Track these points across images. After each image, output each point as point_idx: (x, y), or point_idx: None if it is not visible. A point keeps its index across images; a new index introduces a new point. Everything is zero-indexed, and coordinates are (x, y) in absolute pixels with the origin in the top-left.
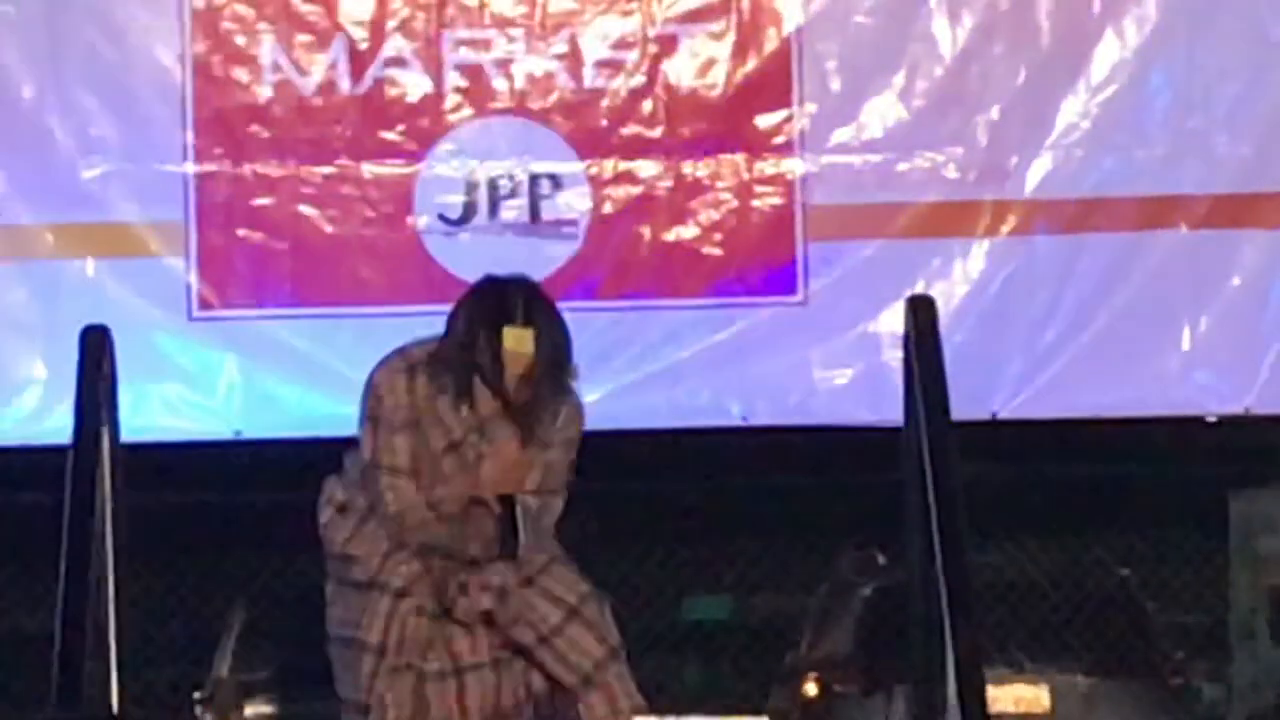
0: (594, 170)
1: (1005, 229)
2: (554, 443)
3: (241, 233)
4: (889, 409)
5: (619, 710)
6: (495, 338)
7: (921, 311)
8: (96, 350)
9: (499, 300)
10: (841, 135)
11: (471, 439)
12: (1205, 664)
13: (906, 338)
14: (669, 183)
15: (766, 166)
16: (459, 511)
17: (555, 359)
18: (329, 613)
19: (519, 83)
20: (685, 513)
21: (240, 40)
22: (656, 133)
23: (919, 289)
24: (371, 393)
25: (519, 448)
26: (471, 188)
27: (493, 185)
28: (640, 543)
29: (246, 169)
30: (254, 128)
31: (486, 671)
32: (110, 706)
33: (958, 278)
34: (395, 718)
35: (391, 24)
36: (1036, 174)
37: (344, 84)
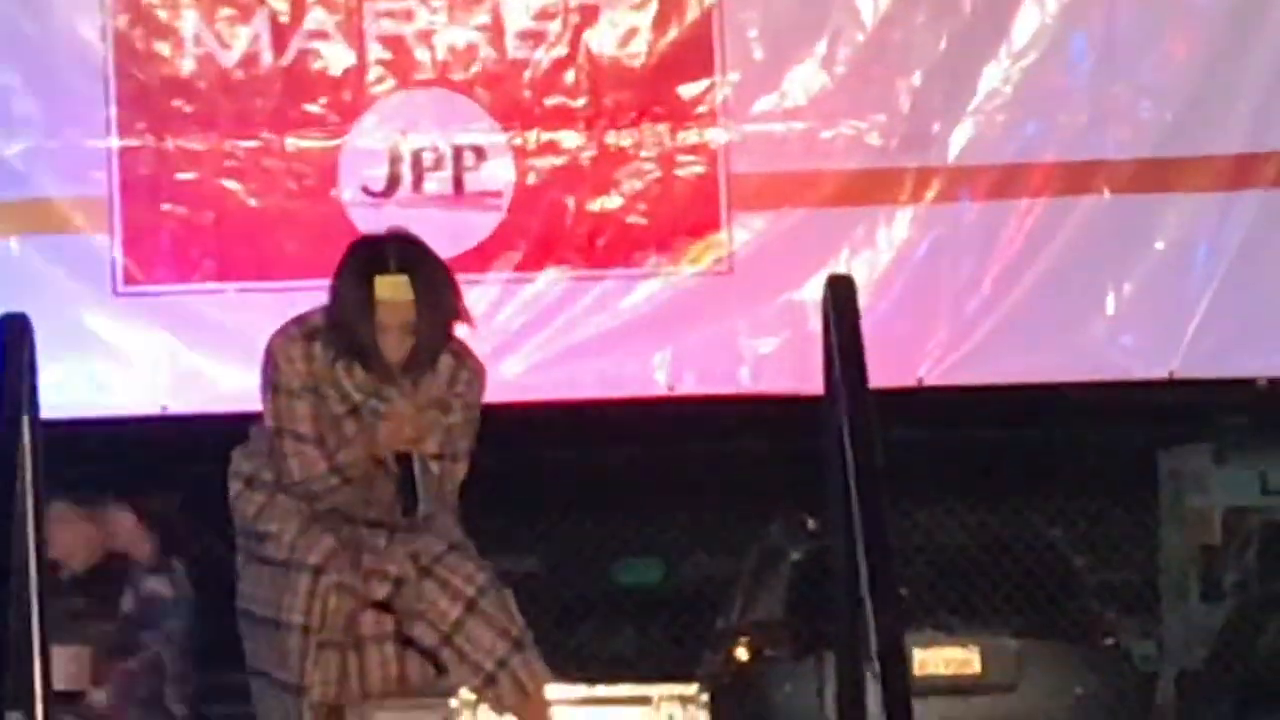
0: (517, 141)
1: (929, 195)
2: (453, 406)
3: (166, 207)
4: (815, 377)
5: (525, 693)
6: (369, 291)
7: (840, 290)
8: (17, 339)
9: (371, 252)
10: (764, 104)
11: (370, 402)
12: (1136, 623)
13: (826, 318)
14: (593, 153)
15: (690, 136)
16: (361, 476)
17: (434, 303)
18: (240, 587)
19: (441, 54)
20: (615, 480)
21: (162, 14)
22: (580, 103)
23: (844, 257)
24: (270, 361)
25: (410, 403)
26: (395, 160)
27: (416, 157)
28: (571, 510)
29: (170, 143)
30: (177, 101)
31: (389, 645)
32: (33, 695)
33: (882, 245)
34: (323, 694)
35: None
36: (959, 140)
37: (266, 57)
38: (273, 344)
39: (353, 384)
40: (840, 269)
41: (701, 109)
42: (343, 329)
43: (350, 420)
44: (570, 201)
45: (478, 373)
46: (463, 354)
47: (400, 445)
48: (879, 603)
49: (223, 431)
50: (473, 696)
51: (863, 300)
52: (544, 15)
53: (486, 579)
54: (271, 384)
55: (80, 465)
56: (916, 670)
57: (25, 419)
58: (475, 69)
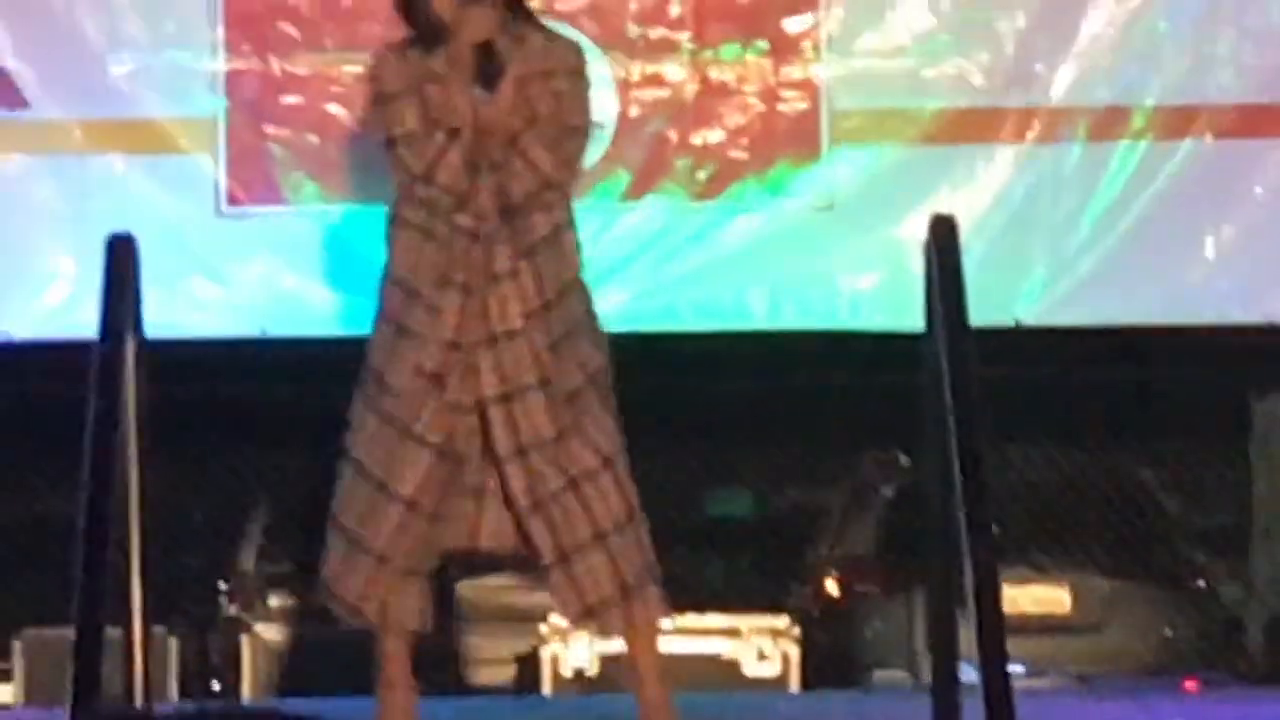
0: (621, 73)
1: (1031, 136)
2: (556, 70)
3: (270, 129)
4: (913, 314)
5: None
6: None
7: (943, 231)
8: (123, 258)
9: None
10: (868, 40)
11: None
12: (1225, 566)
13: (927, 257)
14: (696, 86)
15: (793, 70)
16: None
17: None
18: (353, 436)
19: None
20: (706, 410)
21: None
22: (683, 36)
23: (944, 195)
24: (370, 79)
25: (508, 83)
26: None
27: None
28: (663, 441)
29: (275, 66)
30: (283, 24)
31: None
32: (132, 615)
33: (983, 184)
34: (405, 566)
35: None
36: (1062, 81)
37: None
38: (371, 67)
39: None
40: (940, 207)
41: (805, 44)
42: (424, 23)
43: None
44: (673, 134)
45: (573, 44)
46: (553, 32)
47: (512, 124)
48: (973, 540)
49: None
50: (564, 623)
51: (961, 239)
52: None
53: (626, 512)
54: (374, 96)
55: None
56: (1007, 608)
57: (130, 339)
58: (581, 0)
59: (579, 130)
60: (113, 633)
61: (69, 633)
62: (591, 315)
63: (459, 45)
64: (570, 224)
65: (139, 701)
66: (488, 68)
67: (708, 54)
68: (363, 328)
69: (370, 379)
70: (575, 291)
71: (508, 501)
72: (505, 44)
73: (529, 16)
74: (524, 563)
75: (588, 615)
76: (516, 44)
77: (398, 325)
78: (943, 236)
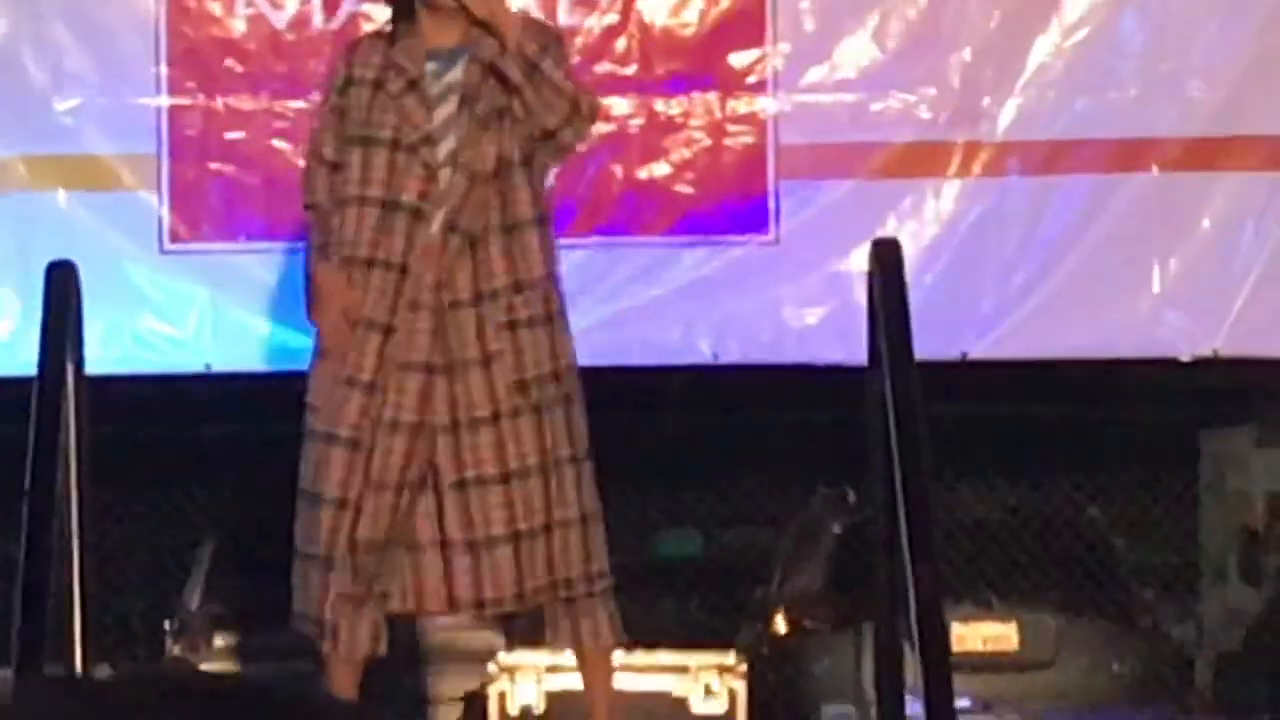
0: None
1: (977, 169)
2: (546, 43)
3: (214, 166)
4: (859, 349)
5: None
6: None
7: (886, 254)
8: (63, 285)
9: None
10: (814, 74)
11: (430, 66)
12: (1175, 604)
13: (871, 280)
14: (641, 120)
15: (739, 105)
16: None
17: None
18: (301, 469)
19: None
20: (655, 449)
21: None
22: (630, 70)
23: (890, 229)
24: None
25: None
26: None
27: None
28: (611, 479)
29: (219, 102)
30: (227, 61)
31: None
32: (74, 655)
33: (929, 218)
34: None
35: None
36: (1008, 115)
37: (317, 19)
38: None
39: (408, 59)
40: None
41: (751, 79)
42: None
43: (411, 95)
44: (618, 169)
45: (557, 36)
46: (533, 20)
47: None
48: (919, 575)
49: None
50: (511, 660)
51: (908, 273)
52: None
53: (560, 515)
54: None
55: None
56: (954, 646)
57: (70, 366)
58: None
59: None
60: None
61: (7, 674)
62: (558, 315)
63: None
64: (545, 216)
65: None
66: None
67: (653, 89)
68: (305, 363)
69: (308, 411)
70: (551, 286)
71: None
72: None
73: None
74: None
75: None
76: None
77: (320, 350)
78: (886, 258)
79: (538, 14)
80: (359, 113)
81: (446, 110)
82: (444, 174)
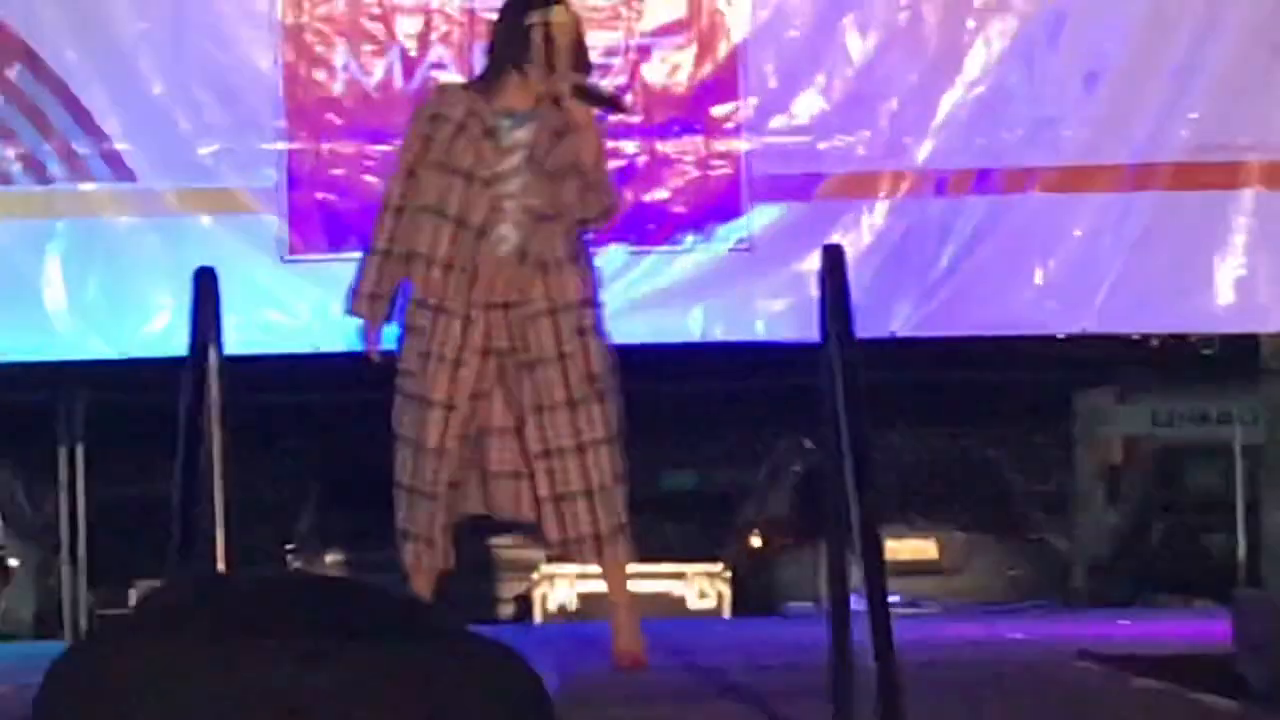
0: None
1: (902, 192)
2: (588, 124)
3: (320, 195)
4: (814, 330)
5: (602, 559)
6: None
7: (833, 257)
8: (206, 287)
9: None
10: (777, 122)
11: (504, 122)
12: (1056, 523)
13: (821, 277)
14: (646, 157)
15: (719, 145)
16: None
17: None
18: (395, 419)
19: None
20: (661, 409)
21: (319, 49)
22: (636, 119)
23: (836, 238)
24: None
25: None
26: None
27: None
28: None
29: (324, 147)
30: (329, 115)
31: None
32: (216, 560)
33: (866, 230)
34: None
35: (434, 36)
36: (925, 150)
37: (398, 82)
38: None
39: (489, 112)
40: None
41: (729, 125)
42: (513, 44)
43: (486, 141)
44: (629, 194)
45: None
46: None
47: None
48: (860, 504)
49: None
50: (550, 570)
51: (850, 272)
52: (610, 53)
53: (613, 477)
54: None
55: None
56: (888, 557)
57: (212, 351)
58: None
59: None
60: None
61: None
62: (601, 328)
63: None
64: (587, 249)
65: None
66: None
67: (654, 133)
68: (390, 344)
69: (401, 375)
70: (593, 306)
71: (514, 475)
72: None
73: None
74: (520, 526)
75: (571, 546)
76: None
77: (406, 327)
78: (833, 260)
79: None
80: (442, 144)
81: (514, 160)
82: (509, 206)
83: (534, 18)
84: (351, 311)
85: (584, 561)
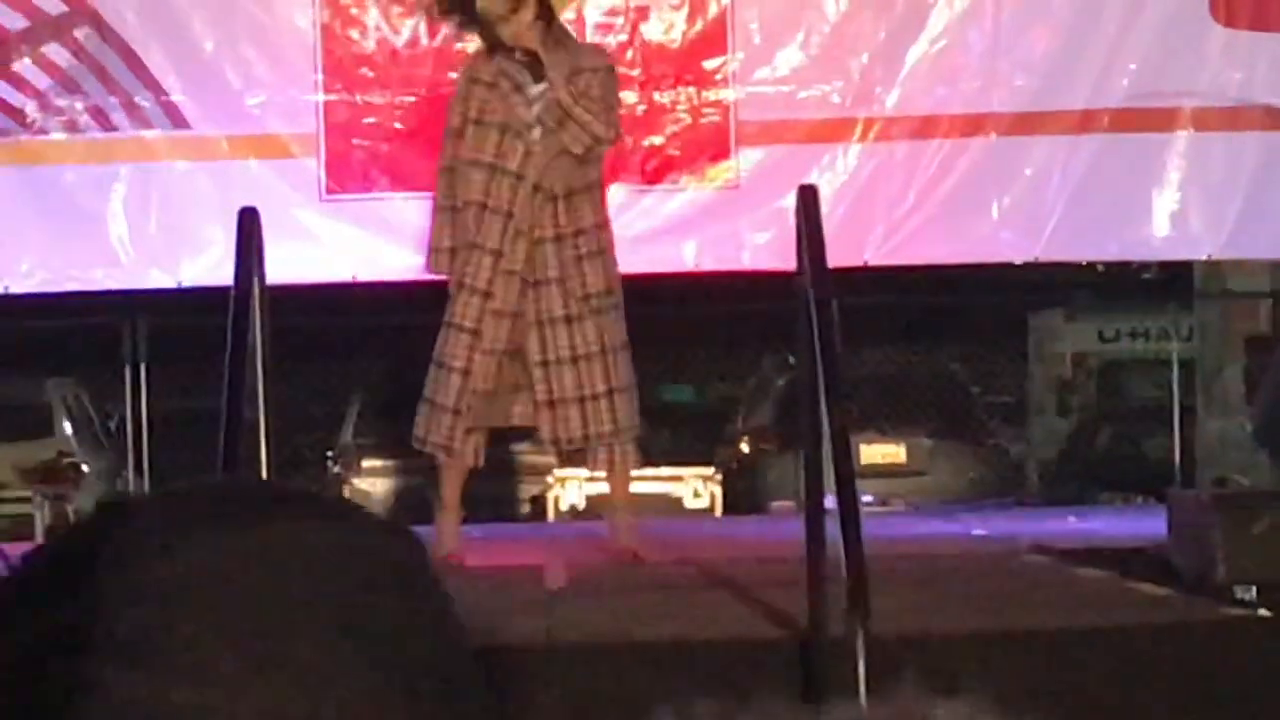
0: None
1: (872, 136)
2: (597, 66)
3: (355, 141)
4: (794, 259)
5: (612, 464)
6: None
7: (807, 195)
8: (249, 224)
9: None
10: (761, 74)
11: (529, 84)
12: (1012, 429)
13: (797, 213)
14: (645, 106)
15: (710, 95)
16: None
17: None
18: (439, 342)
19: None
20: (660, 329)
21: (354, 10)
22: (636, 73)
23: (814, 177)
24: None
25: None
26: None
27: None
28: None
29: (358, 98)
30: (363, 70)
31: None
32: (261, 467)
33: (840, 169)
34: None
35: None
36: (893, 99)
37: (424, 40)
38: (467, 63)
39: (516, 70)
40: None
41: (719, 77)
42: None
43: (516, 94)
44: (629, 139)
45: (602, 50)
46: (591, 46)
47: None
48: (833, 413)
49: None
50: (562, 474)
51: (825, 207)
52: (612, 13)
53: (606, 387)
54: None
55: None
56: (861, 460)
57: (255, 279)
58: None
59: (614, 106)
60: None
61: None
62: (608, 249)
63: (510, 56)
64: (600, 180)
65: None
66: (535, 68)
67: (652, 85)
68: (420, 274)
69: (450, 301)
70: (603, 229)
71: (531, 387)
72: (550, 49)
73: (563, 29)
74: (533, 433)
75: (563, 446)
76: (560, 47)
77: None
78: (808, 199)
79: (582, 37)
80: (479, 102)
81: (538, 109)
82: (536, 150)
83: None
84: (430, 269)
85: (578, 463)
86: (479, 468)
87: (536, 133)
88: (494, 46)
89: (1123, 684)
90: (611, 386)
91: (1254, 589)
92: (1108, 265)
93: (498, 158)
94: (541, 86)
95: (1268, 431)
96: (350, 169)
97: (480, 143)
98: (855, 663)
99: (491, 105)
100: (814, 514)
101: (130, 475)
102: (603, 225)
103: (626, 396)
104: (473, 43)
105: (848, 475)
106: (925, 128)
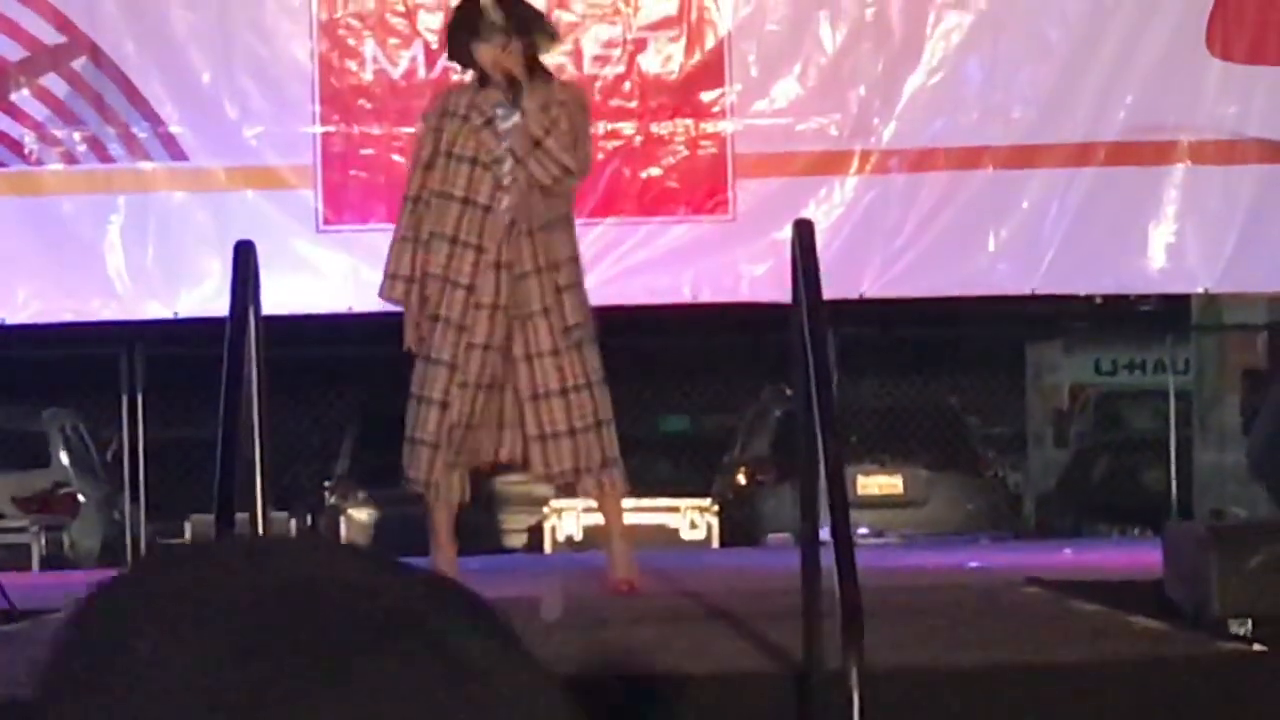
0: (592, 130)
1: (869, 168)
2: (568, 100)
3: (352, 172)
4: (789, 292)
5: (604, 493)
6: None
7: (803, 229)
8: (245, 257)
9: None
10: (759, 106)
11: (499, 110)
12: (1009, 461)
13: (793, 247)
14: (642, 138)
15: (708, 127)
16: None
17: (526, 19)
18: (413, 378)
19: None
20: (658, 360)
21: (351, 42)
22: (633, 105)
23: (810, 211)
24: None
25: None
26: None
27: None
28: (630, 381)
29: (355, 129)
30: (360, 101)
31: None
32: (257, 505)
33: (836, 201)
34: (449, 459)
35: None
36: (890, 131)
37: (421, 72)
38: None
39: (487, 103)
40: (808, 217)
41: (716, 109)
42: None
43: (487, 129)
44: (626, 170)
45: (580, 87)
46: (565, 81)
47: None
48: (827, 444)
49: None
50: (559, 504)
51: (821, 239)
52: (609, 44)
53: (594, 418)
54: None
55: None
56: (858, 491)
57: (251, 310)
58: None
59: (586, 140)
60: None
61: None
62: (581, 282)
63: (489, 88)
64: (571, 214)
65: None
66: (516, 96)
67: (649, 116)
68: None
69: (421, 342)
70: (576, 262)
71: (519, 423)
72: (529, 79)
73: (542, 66)
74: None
75: (555, 479)
76: (536, 79)
77: (425, 299)
78: (803, 232)
79: (570, 69)
80: (450, 135)
81: (508, 142)
82: (505, 184)
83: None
84: (383, 295)
85: (570, 494)
86: (465, 503)
87: (507, 166)
88: (479, 80)
89: (1118, 718)
90: (599, 419)
91: (1249, 622)
92: (1105, 297)
93: (469, 191)
94: (514, 120)
95: (1264, 464)
96: (347, 200)
97: (452, 176)
98: (850, 696)
99: (463, 139)
100: (809, 546)
101: (126, 505)
102: (575, 258)
103: (611, 428)
104: (467, 76)
105: (843, 507)
106: (922, 160)
